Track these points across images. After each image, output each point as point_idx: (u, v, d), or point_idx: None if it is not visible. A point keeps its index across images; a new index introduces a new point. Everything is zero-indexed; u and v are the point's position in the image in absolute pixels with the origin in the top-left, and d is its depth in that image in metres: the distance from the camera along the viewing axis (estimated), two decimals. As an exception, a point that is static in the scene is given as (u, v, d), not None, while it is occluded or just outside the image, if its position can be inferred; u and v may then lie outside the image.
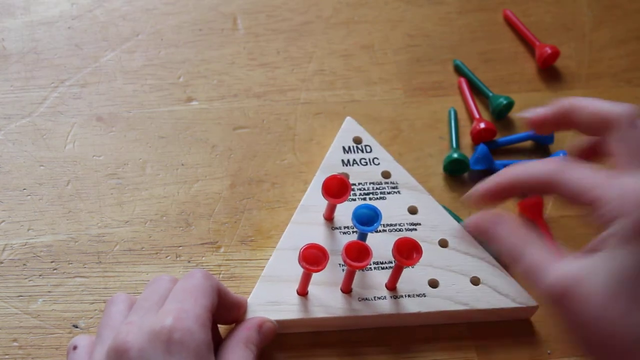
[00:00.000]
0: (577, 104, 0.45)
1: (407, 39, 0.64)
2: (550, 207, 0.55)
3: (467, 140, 0.58)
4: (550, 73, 0.63)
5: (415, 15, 0.65)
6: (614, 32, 0.66)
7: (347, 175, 0.54)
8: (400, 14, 0.65)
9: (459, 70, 0.62)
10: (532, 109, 0.47)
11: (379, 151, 0.55)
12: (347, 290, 0.48)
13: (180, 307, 0.41)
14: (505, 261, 0.43)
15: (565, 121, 0.45)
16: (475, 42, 0.64)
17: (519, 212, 0.54)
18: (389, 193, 0.53)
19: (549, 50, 0.62)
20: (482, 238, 0.46)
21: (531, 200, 0.54)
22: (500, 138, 0.58)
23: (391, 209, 0.52)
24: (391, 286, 0.49)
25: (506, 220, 0.44)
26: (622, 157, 0.42)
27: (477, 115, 0.59)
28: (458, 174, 0.56)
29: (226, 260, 0.51)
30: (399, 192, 0.53)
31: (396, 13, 0.65)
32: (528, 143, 0.59)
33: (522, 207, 0.54)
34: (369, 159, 0.55)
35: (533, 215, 0.54)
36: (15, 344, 0.47)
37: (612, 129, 0.43)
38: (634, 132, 0.42)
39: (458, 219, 0.53)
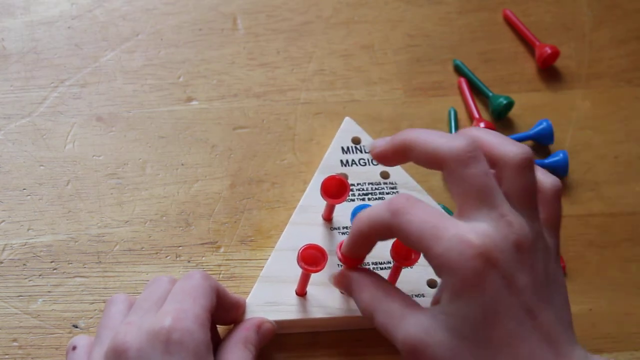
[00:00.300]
0: (414, 140, 0.41)
1: (407, 39, 0.64)
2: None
3: (467, 140, 0.58)
4: (550, 73, 0.63)
5: (415, 15, 0.65)
6: (614, 32, 0.66)
7: (345, 176, 0.54)
8: (400, 14, 0.65)
9: (459, 70, 0.62)
10: (376, 140, 0.44)
11: None
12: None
13: (179, 308, 0.41)
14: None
15: (404, 157, 0.43)
16: (475, 42, 0.64)
17: None
18: (387, 193, 0.53)
19: (548, 50, 0.62)
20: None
21: None
22: (500, 138, 0.58)
23: None
24: (390, 286, 0.49)
25: (359, 279, 0.44)
26: (458, 198, 0.40)
27: (477, 115, 0.59)
28: (458, 174, 0.56)
29: (226, 260, 0.51)
30: (397, 192, 0.53)
31: (396, 13, 0.65)
32: (528, 143, 0.59)
33: None
34: (368, 160, 0.55)
35: None
36: (15, 344, 0.47)
37: (445, 169, 0.40)
38: (466, 172, 0.39)
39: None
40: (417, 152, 0.41)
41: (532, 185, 0.41)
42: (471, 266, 0.38)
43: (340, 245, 0.45)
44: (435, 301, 0.41)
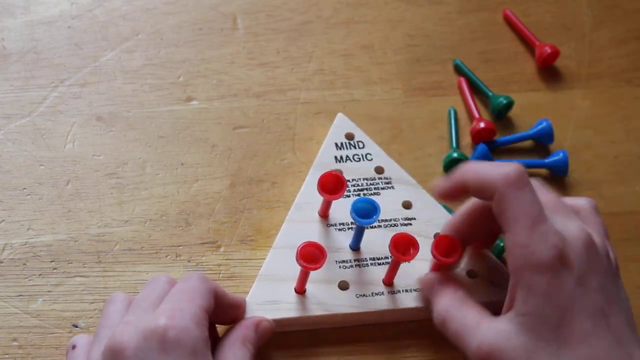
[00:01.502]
0: (466, 173, 0.44)
1: (407, 39, 0.64)
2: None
3: (467, 139, 0.58)
4: (550, 73, 0.63)
5: (415, 15, 0.65)
6: (614, 32, 0.66)
7: (340, 172, 0.54)
8: (400, 14, 0.65)
9: (459, 70, 0.62)
10: (437, 180, 0.47)
11: (371, 147, 0.55)
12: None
13: (176, 307, 0.41)
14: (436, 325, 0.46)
15: (463, 191, 0.45)
16: (475, 42, 0.64)
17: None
18: (382, 188, 0.53)
19: (548, 50, 0.62)
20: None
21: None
22: (500, 137, 0.58)
23: (386, 204, 0.52)
24: (388, 282, 0.49)
25: (440, 284, 0.46)
26: (512, 219, 0.41)
27: (477, 115, 0.59)
28: (458, 173, 0.56)
29: (226, 259, 0.51)
30: (392, 187, 0.53)
31: (396, 13, 0.65)
32: (528, 142, 0.59)
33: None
34: (362, 155, 0.55)
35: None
36: (15, 343, 0.47)
37: (496, 194, 0.42)
38: (518, 193, 0.42)
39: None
40: (471, 183, 0.44)
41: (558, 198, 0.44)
42: (551, 263, 0.39)
43: (435, 245, 0.46)
44: (507, 309, 0.42)
